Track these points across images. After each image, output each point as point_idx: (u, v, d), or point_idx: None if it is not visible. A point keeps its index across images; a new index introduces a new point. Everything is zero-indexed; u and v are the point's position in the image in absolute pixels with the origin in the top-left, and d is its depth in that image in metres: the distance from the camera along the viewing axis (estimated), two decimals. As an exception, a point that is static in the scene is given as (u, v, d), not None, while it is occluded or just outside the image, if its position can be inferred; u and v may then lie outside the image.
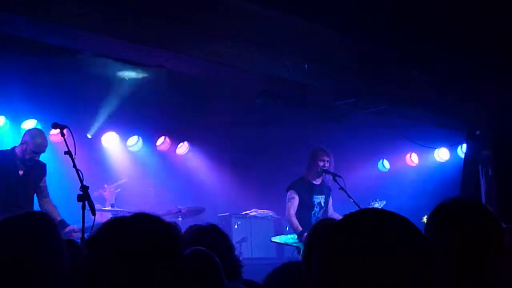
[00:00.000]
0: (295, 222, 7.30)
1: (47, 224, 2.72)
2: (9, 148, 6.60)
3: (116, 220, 2.00)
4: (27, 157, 6.36)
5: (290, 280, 3.00)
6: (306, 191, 7.48)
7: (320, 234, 2.91)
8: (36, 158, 6.44)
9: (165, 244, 1.91)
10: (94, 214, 4.74)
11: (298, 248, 7.35)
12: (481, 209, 2.25)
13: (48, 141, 6.65)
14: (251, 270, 7.64)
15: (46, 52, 6.70)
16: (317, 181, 7.58)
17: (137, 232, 1.91)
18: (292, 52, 7.25)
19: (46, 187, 6.64)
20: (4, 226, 2.69)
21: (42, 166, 6.62)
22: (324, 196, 7.57)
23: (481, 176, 8.52)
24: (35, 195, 6.58)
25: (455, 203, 2.29)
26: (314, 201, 7.50)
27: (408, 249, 1.46)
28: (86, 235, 4.73)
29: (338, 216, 6.85)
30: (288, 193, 7.51)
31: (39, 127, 8.29)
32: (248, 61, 7.09)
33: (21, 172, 6.42)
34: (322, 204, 7.55)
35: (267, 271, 3.07)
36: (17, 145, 6.50)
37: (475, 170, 8.60)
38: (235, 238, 8.72)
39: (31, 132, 6.58)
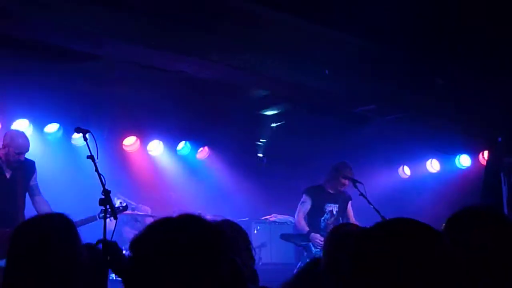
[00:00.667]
0: (302, 223, 7.62)
1: (67, 225, 2.78)
2: None
3: (161, 222, 1.97)
4: (11, 159, 6.36)
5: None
6: (320, 198, 7.73)
7: (345, 241, 2.93)
8: (22, 159, 6.41)
9: (210, 246, 1.90)
10: (115, 218, 4.78)
11: (305, 248, 7.58)
12: (497, 215, 2.24)
13: (29, 140, 6.60)
14: (271, 275, 7.67)
15: (70, 57, 6.79)
16: (333, 191, 7.81)
17: (182, 234, 1.90)
18: (313, 59, 7.26)
19: (37, 185, 6.63)
20: (26, 227, 2.75)
21: (30, 165, 6.60)
22: (337, 205, 7.79)
23: (503, 184, 8.45)
24: (26, 194, 6.57)
25: (470, 210, 2.29)
26: (325, 208, 7.74)
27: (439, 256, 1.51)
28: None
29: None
30: (303, 197, 7.80)
31: (61, 131, 8.42)
32: (270, 68, 7.12)
33: (8, 175, 6.41)
34: (334, 212, 7.78)
35: (286, 277, 3.08)
36: None
37: (496, 177, 8.53)
38: (254, 243, 8.66)
39: (11, 133, 6.58)
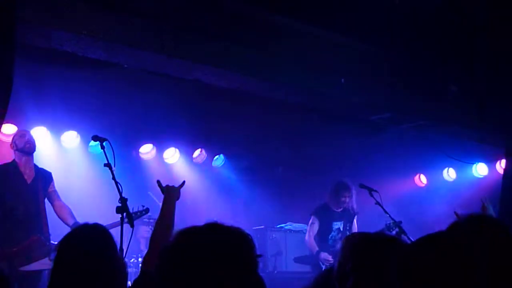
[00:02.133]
0: (313, 243, 8.12)
1: (107, 235, 2.88)
2: (10, 161, 6.71)
3: (189, 230, 1.99)
4: (22, 146, 6.56)
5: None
6: (326, 217, 8.22)
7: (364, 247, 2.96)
8: (26, 139, 6.64)
9: (238, 255, 1.91)
10: (132, 226, 4.80)
11: (316, 266, 7.99)
12: (498, 224, 2.23)
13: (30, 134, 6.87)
14: (286, 284, 7.67)
15: (87, 65, 6.84)
16: (338, 209, 8.23)
17: (210, 243, 1.91)
18: (329, 67, 7.26)
19: (55, 191, 6.80)
20: (72, 239, 2.88)
21: (48, 174, 6.81)
22: (343, 222, 8.24)
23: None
24: (45, 201, 6.72)
25: (471, 217, 2.28)
26: (333, 227, 8.22)
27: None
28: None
29: None
30: (311, 218, 8.28)
31: (78, 139, 8.48)
32: (286, 76, 7.13)
33: (28, 181, 6.55)
34: (341, 229, 8.23)
35: (301, 285, 3.08)
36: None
37: (515, 186, 8.43)
38: (269, 251, 8.72)
39: (15, 133, 6.86)
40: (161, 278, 1.91)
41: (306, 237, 8.26)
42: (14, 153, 6.65)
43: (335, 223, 8.24)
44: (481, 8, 6.18)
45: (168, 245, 1.96)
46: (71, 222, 6.59)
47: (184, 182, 3.91)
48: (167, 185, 3.85)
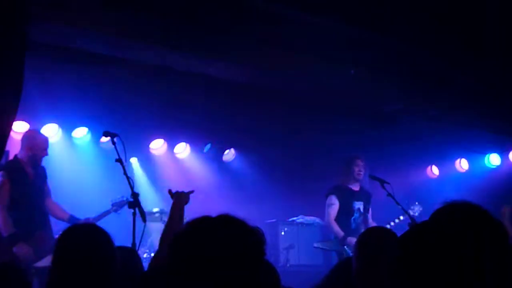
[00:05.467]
0: (336, 227, 7.36)
1: (104, 234, 2.94)
2: (11, 159, 6.67)
3: (200, 220, 1.99)
4: (39, 156, 6.57)
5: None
6: (347, 197, 7.56)
7: (384, 245, 2.94)
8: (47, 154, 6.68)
9: (248, 248, 1.91)
10: (144, 220, 4.81)
11: (338, 252, 7.38)
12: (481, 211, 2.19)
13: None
14: (299, 277, 7.66)
15: (97, 61, 6.86)
16: (356, 187, 7.67)
17: (221, 233, 1.91)
18: (339, 58, 7.23)
19: (49, 188, 6.81)
20: (69, 238, 2.93)
21: (43, 169, 6.78)
22: (362, 202, 7.64)
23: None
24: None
25: (452, 205, 2.25)
26: (354, 207, 7.57)
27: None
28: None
29: (375, 225, 6.92)
30: (328, 198, 7.58)
31: (89, 135, 8.50)
32: (296, 69, 7.11)
33: (31, 176, 6.55)
34: (361, 210, 7.61)
35: (314, 278, 3.07)
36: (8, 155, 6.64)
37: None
38: (282, 245, 8.71)
39: (31, 134, 6.83)
40: (171, 266, 1.92)
41: (326, 220, 7.56)
42: (23, 152, 6.60)
43: (356, 202, 7.58)
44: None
45: (179, 234, 1.97)
46: (66, 216, 6.66)
47: (193, 190, 3.97)
48: (177, 191, 3.89)
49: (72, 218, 6.59)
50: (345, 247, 7.24)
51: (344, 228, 7.37)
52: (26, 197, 6.38)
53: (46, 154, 6.66)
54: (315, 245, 8.08)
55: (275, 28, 6.52)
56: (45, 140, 6.71)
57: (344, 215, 7.50)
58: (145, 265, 7.16)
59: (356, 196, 7.61)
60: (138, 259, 3.65)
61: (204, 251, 1.87)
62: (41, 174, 6.68)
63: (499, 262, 1.89)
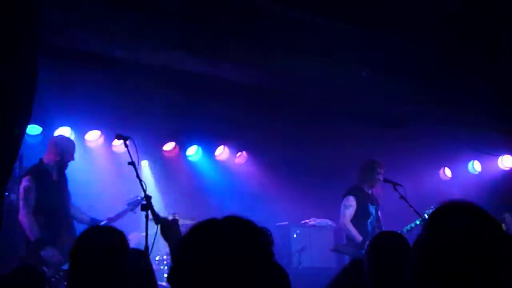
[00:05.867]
0: (354, 230, 7.20)
1: (121, 236, 2.97)
2: (36, 163, 6.66)
3: (207, 222, 2.00)
4: (65, 161, 6.59)
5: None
6: (364, 199, 7.43)
7: (395, 248, 2.96)
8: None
9: (254, 249, 1.91)
10: (157, 223, 4.82)
11: (355, 257, 7.16)
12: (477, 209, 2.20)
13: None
14: (311, 280, 7.65)
15: (110, 64, 6.90)
16: (370, 191, 7.56)
17: (226, 236, 1.92)
18: (350, 61, 7.22)
19: (69, 191, 6.82)
20: (86, 240, 2.95)
21: (65, 173, 6.82)
22: (375, 206, 7.55)
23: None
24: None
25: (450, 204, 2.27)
26: (370, 210, 7.45)
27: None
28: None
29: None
30: (345, 199, 7.42)
31: (102, 138, 8.54)
32: (306, 71, 7.11)
33: (55, 179, 6.58)
34: (374, 214, 7.51)
35: (327, 281, 3.07)
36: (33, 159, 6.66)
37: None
38: (294, 247, 8.71)
39: (60, 140, 6.88)
40: (178, 268, 1.93)
41: (342, 222, 7.32)
42: (51, 156, 6.61)
43: (370, 206, 7.43)
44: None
45: (186, 237, 1.97)
46: (86, 219, 6.71)
47: (177, 220, 3.76)
48: (162, 218, 3.86)
49: (92, 220, 6.66)
50: (362, 251, 6.97)
51: (361, 231, 7.22)
52: (52, 201, 6.43)
53: (73, 159, 6.71)
54: (332, 248, 7.98)
55: (286, 30, 6.53)
56: (73, 145, 6.77)
57: (361, 217, 7.35)
58: (157, 267, 7.21)
59: (371, 199, 7.51)
60: (148, 261, 3.66)
61: (210, 253, 1.87)
62: (65, 178, 6.73)
63: (498, 259, 1.91)
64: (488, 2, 6.12)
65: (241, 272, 1.85)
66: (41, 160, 6.61)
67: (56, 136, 7.21)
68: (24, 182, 6.31)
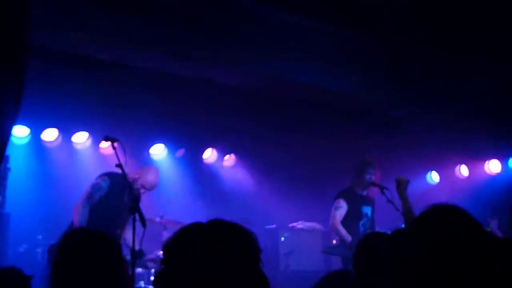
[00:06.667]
0: (343, 230, 7.17)
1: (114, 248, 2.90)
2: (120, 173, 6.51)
3: (190, 227, 2.00)
4: (135, 187, 6.32)
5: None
6: (356, 201, 7.40)
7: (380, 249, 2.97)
8: (142, 193, 6.46)
9: (240, 252, 1.91)
10: (144, 225, 4.81)
11: (345, 258, 7.12)
12: (458, 214, 2.25)
13: (159, 182, 6.71)
14: (298, 283, 7.64)
15: (98, 66, 6.88)
16: (364, 192, 7.56)
17: (210, 238, 1.92)
18: (343, 64, 7.25)
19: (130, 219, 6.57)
20: (68, 244, 2.90)
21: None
22: (370, 207, 7.51)
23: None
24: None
25: (434, 208, 2.32)
26: (363, 212, 7.42)
27: None
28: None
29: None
30: (336, 201, 7.38)
31: (90, 140, 8.50)
32: (299, 74, 7.13)
33: (126, 199, 6.30)
34: (369, 215, 7.48)
35: (313, 284, 3.07)
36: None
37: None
38: (282, 251, 8.71)
39: (148, 168, 6.73)
40: (164, 273, 1.93)
41: (332, 224, 7.28)
42: (132, 174, 6.39)
43: (364, 207, 7.39)
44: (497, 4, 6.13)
45: (170, 241, 1.97)
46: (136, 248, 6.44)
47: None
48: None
49: (139, 253, 6.12)
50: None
51: (352, 232, 7.18)
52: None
53: (140, 191, 6.45)
54: (323, 250, 7.96)
55: (275, 33, 6.54)
56: (148, 181, 6.48)
57: (353, 219, 7.31)
58: (143, 270, 7.17)
59: (365, 200, 7.45)
60: (126, 265, 3.63)
61: (193, 258, 1.88)
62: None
63: (483, 262, 1.93)
64: (482, 7, 6.15)
65: (224, 277, 1.85)
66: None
67: (153, 169, 6.89)
68: None
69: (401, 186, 5.61)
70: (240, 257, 1.90)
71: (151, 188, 6.53)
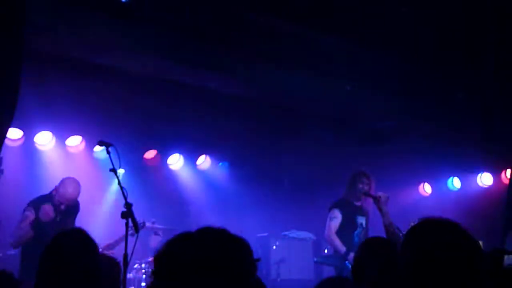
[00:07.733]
0: (337, 241, 7.19)
1: (87, 240, 2.88)
2: (47, 193, 6.43)
3: (180, 236, 2.00)
4: (55, 203, 6.26)
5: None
6: (350, 211, 7.40)
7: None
8: (62, 208, 6.31)
9: (231, 260, 1.91)
10: (137, 231, 4.80)
11: (338, 268, 7.19)
12: (451, 227, 2.27)
13: (79, 193, 6.46)
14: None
15: (93, 70, 6.88)
16: (359, 203, 7.57)
17: (200, 247, 1.92)
18: (335, 74, 7.27)
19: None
20: (57, 243, 2.90)
21: (75, 206, 6.51)
22: (365, 217, 7.51)
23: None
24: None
25: (427, 221, 2.35)
26: (357, 222, 7.41)
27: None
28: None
29: None
30: (331, 212, 7.40)
31: (84, 144, 8.47)
32: (290, 83, 7.14)
33: (58, 218, 6.29)
34: (364, 225, 7.47)
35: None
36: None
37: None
38: (273, 259, 8.70)
39: (62, 181, 6.44)
40: (155, 282, 1.93)
41: (327, 234, 7.33)
42: (54, 190, 6.35)
43: (359, 217, 7.39)
44: (491, 20, 6.18)
45: (161, 251, 1.97)
46: None
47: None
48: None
49: None
50: (346, 262, 7.02)
51: (347, 243, 7.20)
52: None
53: (66, 204, 6.35)
54: (316, 259, 7.95)
55: (269, 42, 6.56)
56: (65, 193, 6.32)
57: (347, 229, 7.31)
58: (135, 276, 7.15)
59: (359, 211, 7.47)
60: (118, 269, 3.63)
61: (184, 266, 1.88)
62: (70, 215, 6.44)
63: (475, 274, 1.96)
64: (473, 20, 6.20)
65: (213, 285, 1.85)
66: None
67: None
68: None
69: (380, 202, 5.68)
70: (232, 268, 1.89)
71: (67, 201, 6.31)
